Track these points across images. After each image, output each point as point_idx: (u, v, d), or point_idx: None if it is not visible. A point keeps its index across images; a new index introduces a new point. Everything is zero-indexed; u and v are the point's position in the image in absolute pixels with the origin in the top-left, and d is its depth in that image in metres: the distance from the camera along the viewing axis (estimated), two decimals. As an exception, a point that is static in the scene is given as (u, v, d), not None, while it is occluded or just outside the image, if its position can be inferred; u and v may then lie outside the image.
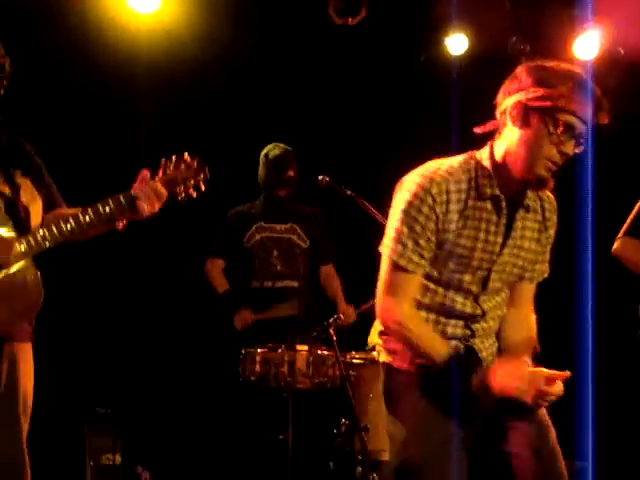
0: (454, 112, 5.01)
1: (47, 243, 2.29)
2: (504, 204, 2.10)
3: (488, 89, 2.25)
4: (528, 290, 2.27)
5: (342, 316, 3.40)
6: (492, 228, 2.10)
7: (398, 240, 2.08)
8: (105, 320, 4.54)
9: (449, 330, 2.15)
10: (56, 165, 2.60)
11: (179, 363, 4.73)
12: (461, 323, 2.16)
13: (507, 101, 2.05)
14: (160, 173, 2.40)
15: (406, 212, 2.08)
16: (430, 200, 2.05)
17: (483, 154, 2.14)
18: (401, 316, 2.10)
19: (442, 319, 2.15)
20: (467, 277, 2.12)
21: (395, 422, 2.16)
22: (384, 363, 2.21)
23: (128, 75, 4.42)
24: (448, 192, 2.06)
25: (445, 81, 5.17)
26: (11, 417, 2.28)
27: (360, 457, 3.26)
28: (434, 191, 2.06)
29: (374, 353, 2.28)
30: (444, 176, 2.08)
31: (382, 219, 3.66)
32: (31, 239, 2.28)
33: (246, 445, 3.96)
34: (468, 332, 2.16)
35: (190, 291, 4.72)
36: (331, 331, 3.22)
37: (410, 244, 2.07)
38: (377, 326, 2.24)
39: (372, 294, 4.15)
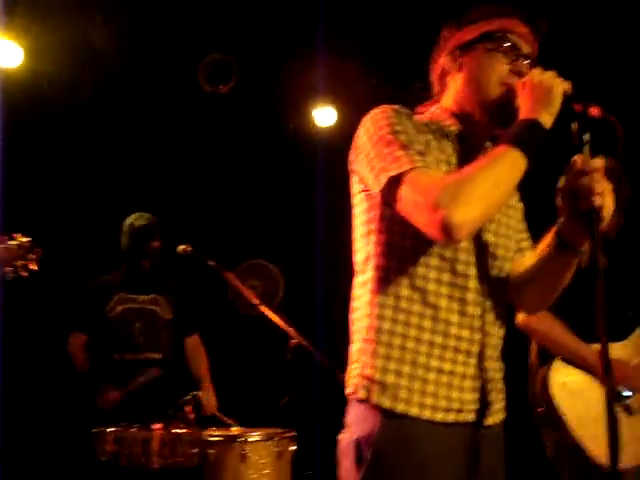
0: (320, 183, 5.08)
1: None
2: (472, 144, 1.78)
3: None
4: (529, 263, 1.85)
5: (202, 401, 3.29)
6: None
7: (393, 154, 1.60)
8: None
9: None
10: None
11: (32, 441, 4.44)
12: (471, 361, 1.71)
13: (441, 61, 1.84)
14: None
15: (384, 131, 1.64)
16: (403, 115, 1.69)
17: (434, 109, 1.83)
18: (475, 207, 1.53)
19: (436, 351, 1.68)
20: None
21: None
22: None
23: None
24: (417, 122, 1.73)
25: (312, 152, 5.25)
26: None
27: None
28: (403, 111, 1.71)
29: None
30: (407, 110, 1.74)
31: (245, 291, 3.62)
32: None
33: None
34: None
35: (47, 365, 4.49)
36: (187, 409, 3.09)
37: (410, 148, 1.61)
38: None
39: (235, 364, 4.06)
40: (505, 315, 1.82)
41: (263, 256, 4.97)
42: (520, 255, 1.89)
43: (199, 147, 5.01)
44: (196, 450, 3.18)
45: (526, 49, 1.77)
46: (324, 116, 5.30)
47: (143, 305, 4.03)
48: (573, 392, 2.86)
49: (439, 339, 1.68)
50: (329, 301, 4.41)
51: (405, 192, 1.59)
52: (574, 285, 1.85)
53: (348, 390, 1.74)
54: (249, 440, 3.26)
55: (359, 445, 1.66)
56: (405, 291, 1.68)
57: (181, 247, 3.63)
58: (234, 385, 4.25)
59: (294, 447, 3.43)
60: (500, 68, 1.74)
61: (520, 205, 1.93)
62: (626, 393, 2.91)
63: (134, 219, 4.09)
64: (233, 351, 4.26)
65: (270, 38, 4.75)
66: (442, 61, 1.83)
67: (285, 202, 5.23)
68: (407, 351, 1.67)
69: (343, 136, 5.17)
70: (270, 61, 4.91)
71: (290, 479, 3.43)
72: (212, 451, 3.24)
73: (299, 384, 3.64)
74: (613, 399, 1.52)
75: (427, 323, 1.68)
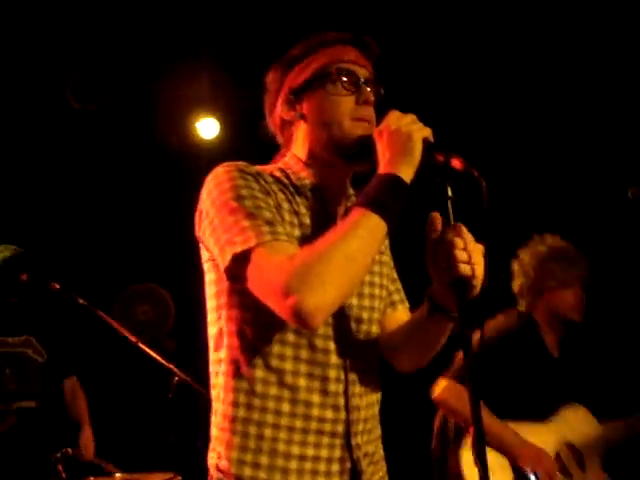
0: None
1: None
2: (329, 196, 1.64)
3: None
4: (403, 316, 1.75)
5: (80, 445, 3.06)
6: (324, 224, 1.57)
7: (238, 225, 1.45)
8: None
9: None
10: None
11: None
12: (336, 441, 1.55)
13: (278, 111, 1.67)
14: None
15: (227, 196, 1.48)
16: (249, 176, 1.52)
17: (287, 159, 1.68)
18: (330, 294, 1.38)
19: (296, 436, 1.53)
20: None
21: None
22: None
23: None
24: (266, 182, 1.55)
25: (197, 164, 5.07)
26: None
27: None
28: (249, 170, 1.54)
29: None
30: (254, 168, 1.57)
31: (119, 327, 3.41)
32: None
33: None
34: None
35: None
36: (59, 468, 2.88)
37: (257, 217, 1.45)
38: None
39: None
40: (377, 380, 1.68)
41: (152, 280, 4.74)
42: (392, 309, 1.77)
43: (71, 169, 4.74)
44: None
45: (362, 73, 1.63)
46: (207, 128, 5.13)
47: (14, 348, 3.70)
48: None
49: (299, 423, 1.52)
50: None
51: (252, 272, 1.43)
52: None
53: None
54: (130, 492, 3.08)
55: None
56: (260, 373, 1.52)
57: (51, 284, 3.40)
58: (116, 426, 4.01)
59: (180, 492, 3.26)
60: (345, 103, 1.60)
61: (386, 258, 1.79)
62: (532, 478, 2.83)
63: None
64: (114, 389, 4.03)
65: (146, 52, 4.55)
66: (279, 111, 1.66)
67: (170, 221, 5.01)
68: (264, 440, 1.51)
69: (227, 147, 5.08)
70: (146, 76, 4.70)
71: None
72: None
73: (183, 423, 3.47)
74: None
75: (285, 407, 1.52)
